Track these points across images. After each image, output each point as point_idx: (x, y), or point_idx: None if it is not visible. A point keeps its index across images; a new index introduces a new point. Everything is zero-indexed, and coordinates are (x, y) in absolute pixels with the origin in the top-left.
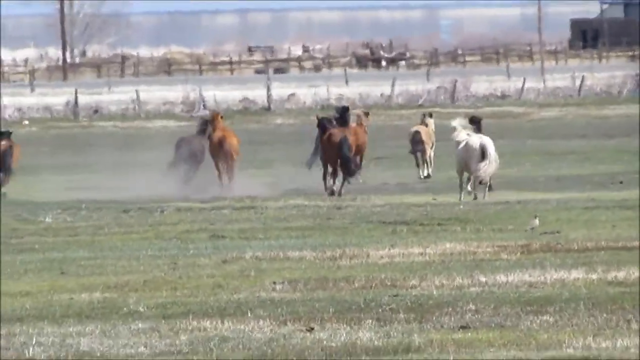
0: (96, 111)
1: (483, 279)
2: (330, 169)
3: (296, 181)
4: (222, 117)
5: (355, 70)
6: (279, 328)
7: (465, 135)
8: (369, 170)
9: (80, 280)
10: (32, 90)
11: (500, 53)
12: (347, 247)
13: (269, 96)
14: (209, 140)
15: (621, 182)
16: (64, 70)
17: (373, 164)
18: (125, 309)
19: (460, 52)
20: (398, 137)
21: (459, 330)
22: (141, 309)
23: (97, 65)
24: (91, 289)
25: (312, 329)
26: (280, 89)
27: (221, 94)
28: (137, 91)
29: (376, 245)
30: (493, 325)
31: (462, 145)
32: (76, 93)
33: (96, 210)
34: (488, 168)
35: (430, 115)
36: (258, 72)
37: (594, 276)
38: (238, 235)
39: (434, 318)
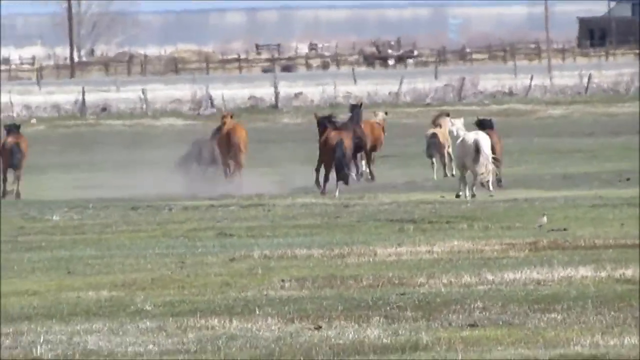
0: (104, 109)
1: (491, 277)
2: (324, 171)
3: (304, 179)
4: (231, 117)
5: (363, 69)
6: (287, 326)
7: (462, 131)
8: (376, 168)
9: (87, 279)
10: (40, 88)
11: (507, 51)
12: (354, 245)
13: (276, 94)
14: (217, 134)
15: (628, 179)
16: (72, 69)
17: (380, 162)
18: (132, 307)
19: (467, 50)
20: (406, 135)
21: (466, 328)
22: (149, 308)
23: (105, 64)
24: (99, 287)
25: (320, 327)
26: (287, 88)
27: (229, 92)
28: (144, 90)
29: (384, 243)
30: (501, 323)
31: (459, 141)
32: (84, 91)
33: (103, 208)
34: (485, 165)
35: (448, 115)
36: (265, 70)
37: (602, 274)
38: (246, 233)
39: (442, 316)
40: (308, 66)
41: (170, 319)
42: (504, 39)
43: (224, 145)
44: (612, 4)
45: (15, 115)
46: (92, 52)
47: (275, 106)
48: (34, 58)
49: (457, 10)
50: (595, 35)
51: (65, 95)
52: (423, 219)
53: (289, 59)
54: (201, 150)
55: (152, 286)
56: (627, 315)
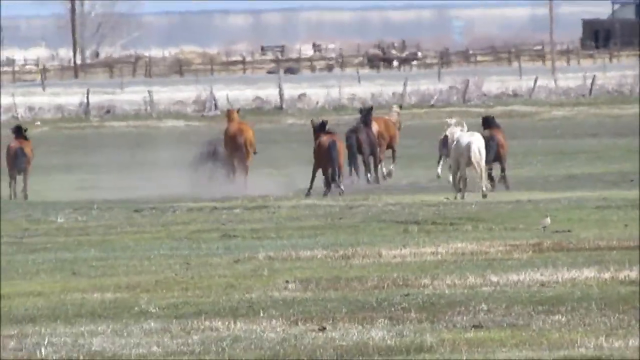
0: (108, 111)
1: (495, 278)
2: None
3: (308, 180)
4: (238, 112)
5: (367, 71)
6: (291, 328)
7: (458, 133)
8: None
9: (92, 280)
10: (44, 89)
11: (511, 53)
12: (359, 247)
13: (281, 96)
14: (224, 134)
15: (632, 181)
16: (75, 71)
17: (384, 162)
18: (137, 308)
19: (471, 52)
20: (410, 136)
21: (471, 329)
22: (153, 309)
23: (109, 66)
24: (103, 288)
25: (324, 328)
26: (292, 89)
27: (233, 93)
28: (149, 91)
29: (388, 244)
30: (505, 324)
31: (454, 143)
32: (88, 93)
33: (108, 210)
34: (478, 166)
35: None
36: (270, 72)
37: (606, 275)
38: (250, 234)
39: (446, 317)
40: (312, 68)
41: (175, 320)
42: (508, 41)
43: (230, 146)
44: (616, 6)
45: (19, 116)
46: (96, 54)
47: (280, 107)
48: (38, 59)
49: (460, 12)
50: (599, 37)
51: (69, 97)
52: (427, 220)
53: (294, 60)
54: (216, 149)
55: (156, 288)
56: (631, 317)
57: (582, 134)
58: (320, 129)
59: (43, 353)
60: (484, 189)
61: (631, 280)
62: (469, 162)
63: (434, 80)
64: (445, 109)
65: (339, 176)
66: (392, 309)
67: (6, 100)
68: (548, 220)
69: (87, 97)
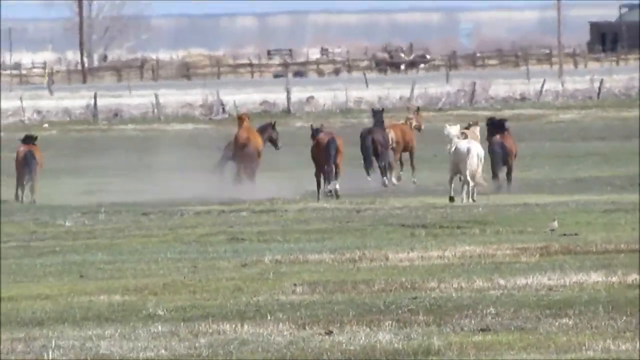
0: (116, 114)
1: (502, 282)
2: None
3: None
4: (248, 118)
5: (374, 74)
6: (298, 331)
7: (456, 140)
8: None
9: (99, 284)
10: (51, 93)
11: (519, 56)
12: (366, 250)
13: (288, 99)
14: (234, 140)
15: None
16: (83, 74)
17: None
18: (144, 312)
19: (478, 55)
20: (418, 139)
21: (478, 333)
22: (161, 312)
23: (117, 69)
24: (111, 292)
25: (332, 332)
26: (299, 93)
27: (241, 97)
28: (156, 95)
29: (395, 247)
30: (513, 328)
31: (452, 149)
32: (95, 96)
33: (115, 213)
34: (472, 172)
35: (476, 124)
36: (277, 75)
37: (614, 279)
38: (257, 238)
39: (454, 321)
40: (319, 72)
41: (182, 323)
42: (516, 44)
43: (239, 152)
44: (624, 9)
45: (26, 120)
46: (104, 57)
47: (287, 111)
48: (45, 63)
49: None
50: (606, 40)
51: (76, 100)
52: (434, 223)
53: (301, 64)
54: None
55: (164, 291)
56: (638, 320)
57: (589, 137)
58: (317, 134)
59: (50, 356)
60: (474, 194)
61: (638, 284)
62: (467, 168)
63: (441, 83)
64: (453, 112)
65: (335, 176)
66: (400, 312)
67: (13, 103)
68: (555, 223)
69: (95, 101)
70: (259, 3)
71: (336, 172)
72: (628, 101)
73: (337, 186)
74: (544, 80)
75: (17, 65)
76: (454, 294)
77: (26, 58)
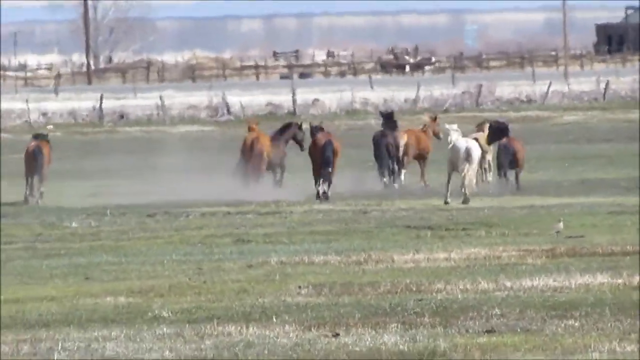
0: (122, 116)
1: (508, 284)
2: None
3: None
4: (257, 124)
5: (379, 76)
6: (304, 333)
7: (455, 138)
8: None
9: (105, 285)
10: (57, 95)
11: (525, 58)
12: (372, 252)
13: (294, 101)
14: (243, 142)
15: None
16: (89, 76)
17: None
18: (150, 313)
19: (484, 57)
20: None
21: (484, 334)
22: (166, 314)
23: (122, 71)
24: (116, 293)
25: (337, 334)
26: (305, 94)
27: (247, 98)
28: (161, 97)
29: (401, 249)
30: (518, 329)
31: (450, 146)
32: (101, 98)
33: (121, 215)
34: (470, 171)
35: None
36: (283, 77)
37: (619, 281)
38: (263, 239)
39: (459, 322)
40: (325, 74)
41: (188, 325)
42: (522, 46)
43: (247, 153)
44: (629, 11)
45: (31, 121)
46: (110, 59)
47: (293, 113)
48: (51, 65)
49: (474, 16)
50: (612, 41)
51: (82, 102)
52: (440, 225)
53: (307, 66)
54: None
55: (169, 293)
56: None
57: (595, 139)
58: (316, 132)
59: (56, 357)
60: (467, 194)
61: None
62: (464, 167)
63: (447, 85)
64: (459, 114)
65: (328, 178)
66: (405, 314)
67: (19, 105)
68: (561, 225)
69: (101, 103)
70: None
71: (331, 174)
72: (634, 103)
73: (327, 189)
74: (550, 82)
75: (23, 67)
76: (459, 296)
77: (32, 60)
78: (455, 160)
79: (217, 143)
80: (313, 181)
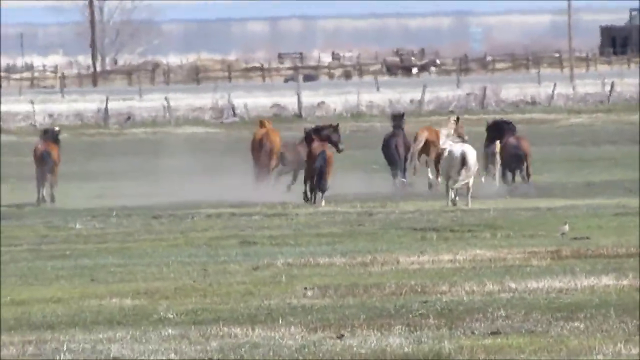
0: (128, 118)
1: (513, 285)
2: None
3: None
4: (269, 122)
5: (385, 78)
6: (310, 335)
7: (449, 144)
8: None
9: (110, 287)
10: (63, 96)
11: (530, 60)
12: (377, 254)
13: (299, 103)
14: (252, 140)
15: None
16: (94, 77)
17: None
18: (155, 315)
19: (489, 59)
20: None
21: (489, 336)
22: (171, 316)
23: (128, 73)
24: (121, 295)
25: (343, 335)
26: (310, 97)
27: (252, 100)
28: (166, 98)
29: (406, 251)
30: (523, 331)
31: (445, 153)
32: (107, 100)
33: (126, 217)
34: (465, 177)
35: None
36: (288, 79)
37: (624, 282)
38: (269, 241)
39: (464, 324)
40: (330, 76)
41: (193, 327)
42: (527, 48)
43: (256, 150)
44: (634, 12)
45: (37, 124)
46: (115, 61)
47: (299, 115)
48: (56, 67)
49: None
50: (617, 43)
51: (88, 104)
52: (445, 227)
53: (312, 68)
54: (282, 154)
55: (174, 294)
56: None
57: (600, 141)
58: (310, 135)
59: (62, 359)
60: (469, 202)
61: None
62: (460, 172)
63: (452, 87)
64: (464, 116)
65: (323, 186)
66: (410, 316)
67: (25, 107)
68: (567, 227)
69: (107, 104)
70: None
71: (324, 183)
72: (638, 105)
73: (322, 201)
74: (555, 85)
75: (29, 67)
76: (464, 298)
77: (37, 62)
78: (450, 167)
79: (222, 145)
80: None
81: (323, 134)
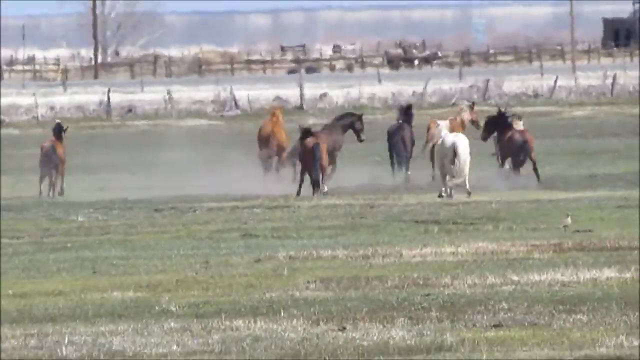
0: (130, 110)
1: (515, 278)
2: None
3: (328, 180)
4: (280, 110)
5: (387, 70)
6: (312, 327)
7: (443, 134)
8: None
9: (112, 280)
10: (65, 89)
11: (532, 52)
12: (379, 246)
13: (301, 95)
14: (258, 133)
15: None
16: (96, 70)
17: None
18: (157, 308)
19: (492, 51)
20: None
21: (491, 328)
22: (173, 308)
23: (130, 65)
24: (123, 288)
25: (345, 328)
26: (312, 89)
27: (254, 93)
28: (168, 91)
29: (408, 244)
30: (526, 323)
31: (439, 142)
32: (109, 92)
33: (128, 209)
34: (458, 168)
35: (519, 118)
36: (290, 71)
37: (627, 275)
38: (271, 234)
39: (467, 317)
40: (332, 68)
41: (195, 319)
42: (529, 40)
43: (262, 146)
44: (637, 5)
45: (39, 116)
46: (117, 53)
47: (300, 107)
48: (58, 59)
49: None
50: (620, 35)
51: (90, 96)
52: (448, 220)
53: (314, 60)
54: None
55: (176, 287)
56: None
57: (603, 133)
58: (305, 135)
59: (63, 352)
60: (467, 186)
61: None
62: (453, 162)
63: (455, 80)
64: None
65: (322, 177)
66: (413, 309)
67: (27, 100)
68: (569, 220)
69: (109, 97)
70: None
71: (322, 175)
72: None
73: (326, 189)
74: (557, 77)
75: (31, 60)
76: (467, 290)
77: (39, 54)
78: (443, 158)
79: (224, 137)
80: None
81: (347, 122)
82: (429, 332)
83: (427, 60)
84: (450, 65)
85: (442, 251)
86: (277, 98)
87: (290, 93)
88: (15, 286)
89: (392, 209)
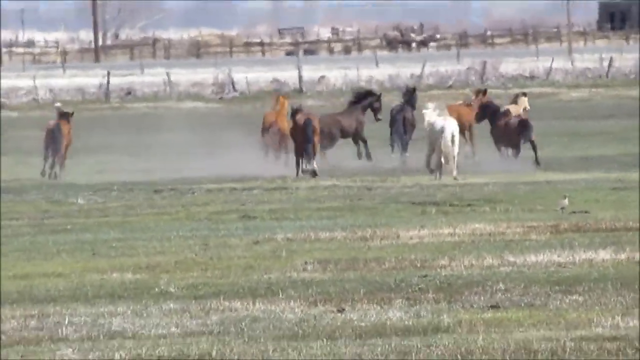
0: (129, 93)
1: (512, 259)
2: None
3: (327, 162)
4: (286, 98)
5: (385, 53)
6: (310, 309)
7: (434, 117)
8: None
9: (112, 261)
10: (64, 72)
11: (529, 34)
12: (377, 228)
13: (300, 78)
14: (263, 119)
15: None
16: (96, 52)
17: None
18: (156, 289)
19: (489, 33)
20: None
21: (488, 309)
22: (172, 290)
23: (129, 47)
24: (123, 269)
25: (343, 309)
26: (311, 72)
27: (252, 75)
28: (167, 73)
29: (406, 225)
30: (522, 304)
31: (429, 127)
32: (108, 75)
33: (127, 191)
34: (446, 149)
35: (524, 95)
36: (288, 54)
37: (622, 256)
38: (269, 215)
39: (464, 298)
40: (330, 51)
41: (194, 301)
42: (526, 22)
43: (265, 133)
44: None
45: (39, 99)
46: (116, 36)
47: (299, 90)
48: (57, 42)
49: None
50: (615, 18)
51: (89, 79)
52: (445, 201)
53: (312, 42)
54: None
55: (175, 268)
56: None
57: (598, 115)
58: (295, 112)
59: (63, 332)
60: (455, 173)
61: None
62: (441, 145)
63: (452, 62)
64: (464, 90)
65: (313, 155)
66: (410, 290)
67: (27, 82)
68: (566, 201)
69: (108, 79)
70: None
71: (313, 152)
72: (637, 80)
73: (315, 166)
74: (553, 59)
75: (30, 43)
76: (464, 272)
77: (38, 37)
78: (434, 140)
79: (223, 119)
80: (317, 158)
81: (366, 101)
82: (426, 313)
83: (424, 43)
84: (448, 47)
85: (440, 233)
86: (275, 80)
87: (288, 75)
88: (16, 268)
89: (389, 190)
